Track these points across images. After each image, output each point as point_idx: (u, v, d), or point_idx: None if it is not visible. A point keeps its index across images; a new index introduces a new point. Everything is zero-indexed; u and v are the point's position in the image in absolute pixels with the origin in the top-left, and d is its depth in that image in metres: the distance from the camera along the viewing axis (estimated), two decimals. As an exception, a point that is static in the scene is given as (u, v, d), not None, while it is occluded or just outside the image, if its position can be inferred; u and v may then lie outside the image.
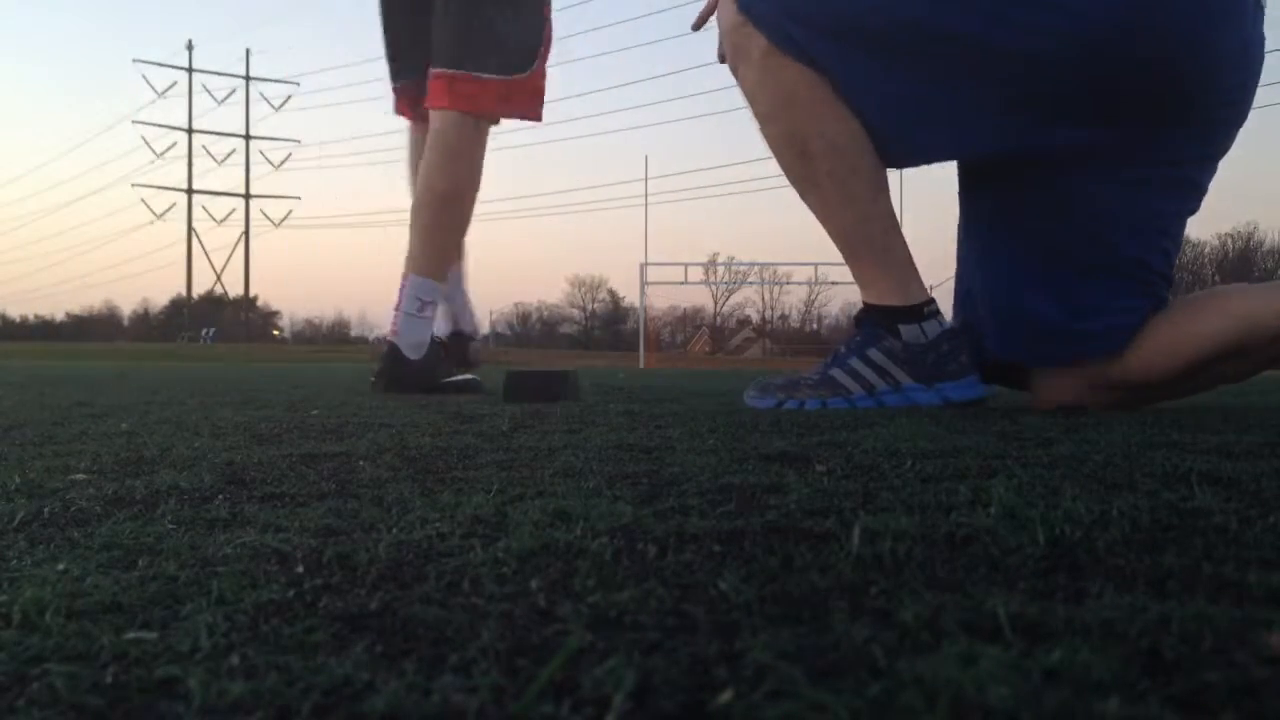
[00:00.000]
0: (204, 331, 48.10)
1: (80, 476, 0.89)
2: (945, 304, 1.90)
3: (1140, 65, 1.60)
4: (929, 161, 1.84)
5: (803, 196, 1.84)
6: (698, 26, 1.95)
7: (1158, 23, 1.58)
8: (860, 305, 1.87)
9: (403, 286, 2.56)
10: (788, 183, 1.84)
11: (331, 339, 57.11)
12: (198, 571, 0.52)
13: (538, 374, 2.25)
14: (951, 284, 1.96)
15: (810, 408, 1.78)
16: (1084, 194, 1.71)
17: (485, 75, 2.53)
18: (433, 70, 2.56)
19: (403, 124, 2.84)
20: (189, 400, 2.29)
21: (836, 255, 1.87)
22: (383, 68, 2.78)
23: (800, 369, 1.98)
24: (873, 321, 1.81)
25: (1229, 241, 48.00)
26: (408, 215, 2.61)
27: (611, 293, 58.20)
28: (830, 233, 1.85)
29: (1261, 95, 1.87)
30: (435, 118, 2.56)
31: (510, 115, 2.64)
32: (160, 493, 0.80)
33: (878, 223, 1.78)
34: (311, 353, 31.34)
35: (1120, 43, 1.58)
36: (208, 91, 56.52)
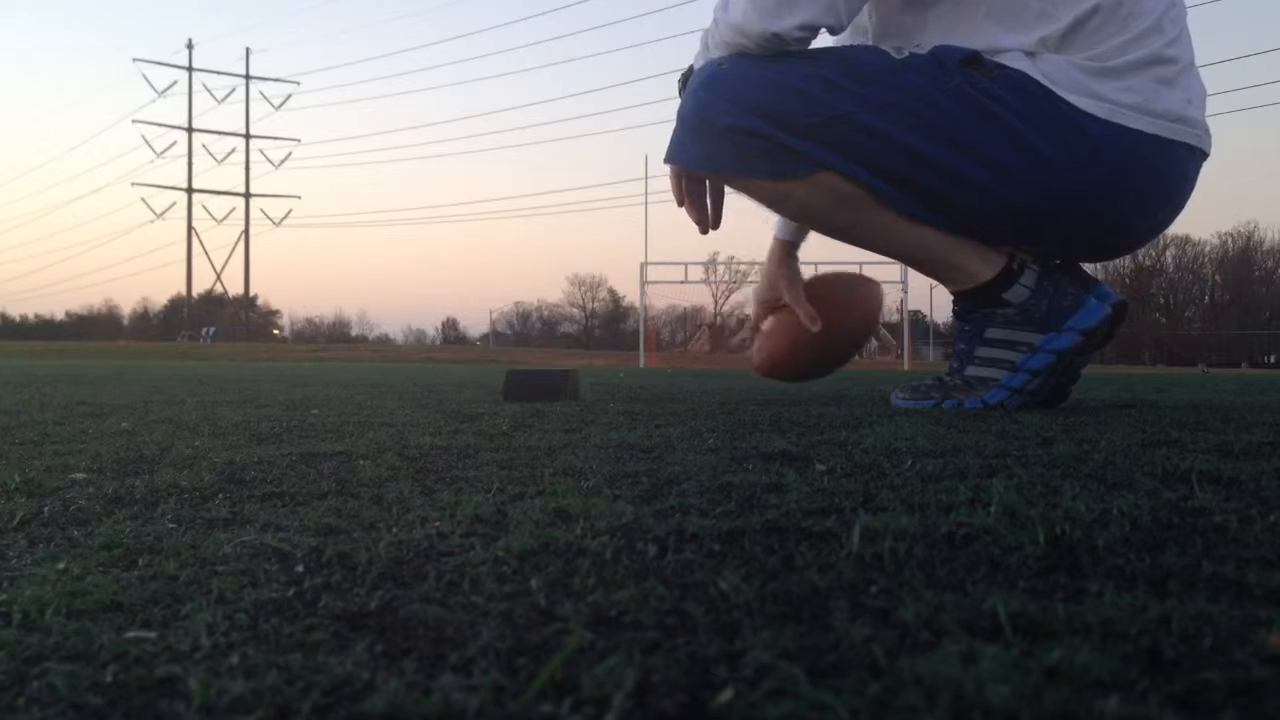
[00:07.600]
0: (204, 330, 48.07)
1: (80, 476, 0.89)
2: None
3: (1087, 222, 1.71)
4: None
5: (851, 244, 1.91)
6: (705, 231, 1.94)
7: (1117, 197, 1.67)
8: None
9: None
10: None
11: (332, 338, 57.11)
12: (198, 571, 0.52)
13: (538, 374, 2.25)
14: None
15: (970, 406, 1.76)
16: None
17: None
18: None
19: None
20: (189, 399, 2.29)
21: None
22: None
23: (939, 371, 1.94)
24: (974, 305, 1.79)
25: (1229, 241, 47.99)
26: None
27: (611, 292, 58.17)
28: (893, 258, 1.92)
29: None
30: None
31: None
32: (160, 492, 0.80)
33: (921, 232, 1.76)
34: (311, 352, 31.35)
35: (1080, 204, 1.68)
36: (208, 91, 56.49)
